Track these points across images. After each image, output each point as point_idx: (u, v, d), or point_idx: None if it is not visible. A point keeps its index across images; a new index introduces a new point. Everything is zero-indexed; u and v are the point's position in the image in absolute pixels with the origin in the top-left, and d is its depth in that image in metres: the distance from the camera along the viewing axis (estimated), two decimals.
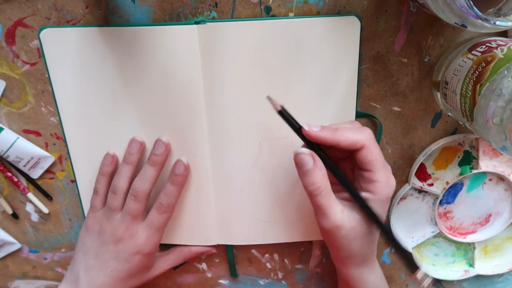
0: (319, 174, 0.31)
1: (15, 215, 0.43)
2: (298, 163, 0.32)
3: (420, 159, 0.40)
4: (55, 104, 0.38)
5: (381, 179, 0.32)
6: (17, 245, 0.45)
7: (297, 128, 0.32)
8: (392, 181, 0.33)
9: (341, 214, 0.32)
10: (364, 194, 0.33)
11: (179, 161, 0.38)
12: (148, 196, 0.37)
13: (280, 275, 0.47)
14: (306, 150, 0.32)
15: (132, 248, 0.37)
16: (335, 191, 0.33)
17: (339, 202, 0.33)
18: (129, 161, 0.38)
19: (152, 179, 0.37)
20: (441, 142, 0.40)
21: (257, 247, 0.45)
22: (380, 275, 0.38)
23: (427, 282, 0.33)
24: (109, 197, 0.38)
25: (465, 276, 0.46)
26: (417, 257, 0.45)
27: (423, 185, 0.42)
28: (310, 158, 0.32)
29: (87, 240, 0.38)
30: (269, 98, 0.32)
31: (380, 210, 0.33)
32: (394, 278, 0.48)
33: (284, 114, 0.32)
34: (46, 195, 0.42)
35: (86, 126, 0.39)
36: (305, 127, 0.31)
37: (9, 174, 0.41)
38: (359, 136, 0.32)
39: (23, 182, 0.42)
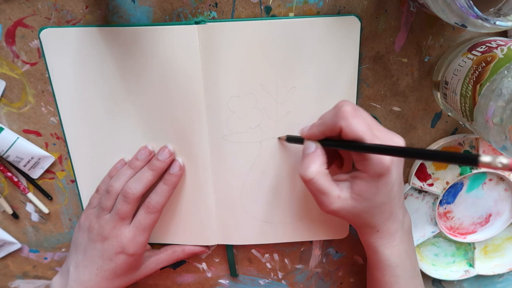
0: (318, 160, 0.33)
1: (15, 215, 0.43)
2: (304, 148, 0.34)
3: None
4: (55, 104, 0.38)
5: (370, 156, 0.31)
6: (17, 245, 0.45)
7: (302, 138, 0.35)
8: (385, 159, 0.30)
9: (338, 199, 0.32)
10: (354, 173, 0.32)
11: (175, 161, 0.39)
12: (139, 200, 0.37)
13: (280, 275, 0.47)
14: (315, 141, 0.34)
15: (117, 247, 0.37)
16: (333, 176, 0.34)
17: (336, 186, 0.33)
18: (133, 166, 0.38)
19: (146, 183, 0.37)
20: (441, 142, 0.40)
21: (257, 247, 0.45)
22: (401, 251, 0.36)
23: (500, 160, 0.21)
24: (103, 197, 0.38)
25: (465, 276, 0.46)
26: (417, 257, 0.45)
27: (423, 185, 0.42)
28: (314, 144, 0.34)
29: (78, 236, 0.39)
30: (278, 139, 0.39)
31: (373, 189, 0.32)
32: None
33: (291, 139, 0.37)
34: (46, 195, 0.42)
35: (86, 126, 0.39)
36: (301, 132, 0.35)
37: (9, 174, 0.41)
38: (334, 118, 0.31)
39: (23, 182, 0.42)
